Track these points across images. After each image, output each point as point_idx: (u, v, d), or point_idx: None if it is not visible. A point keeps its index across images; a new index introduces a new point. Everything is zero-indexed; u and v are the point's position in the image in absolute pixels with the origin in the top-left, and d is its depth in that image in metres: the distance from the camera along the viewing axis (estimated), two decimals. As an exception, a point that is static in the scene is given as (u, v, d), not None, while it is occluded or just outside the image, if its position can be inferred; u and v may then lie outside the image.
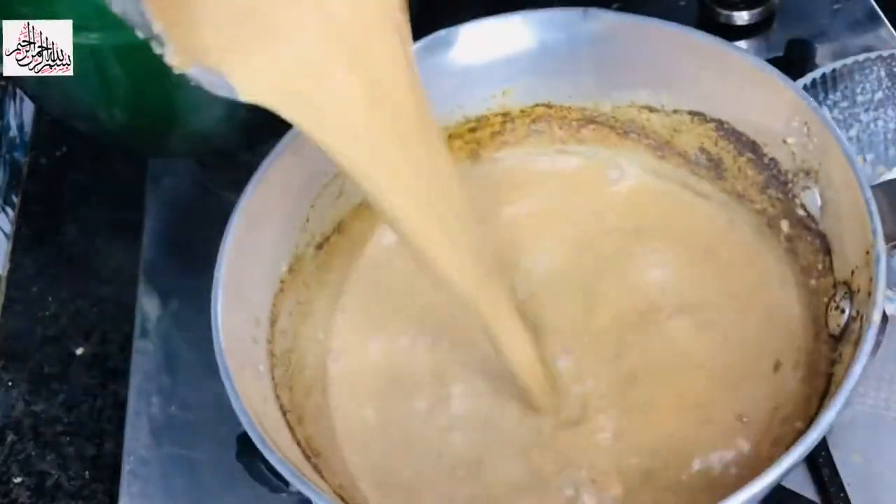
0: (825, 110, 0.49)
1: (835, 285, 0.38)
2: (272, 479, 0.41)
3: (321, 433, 0.41)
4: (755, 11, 0.60)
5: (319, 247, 0.45)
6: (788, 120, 0.40)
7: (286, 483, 0.39)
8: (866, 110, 0.51)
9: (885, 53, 0.49)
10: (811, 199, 0.40)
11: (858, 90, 0.50)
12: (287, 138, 0.42)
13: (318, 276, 0.45)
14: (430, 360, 0.44)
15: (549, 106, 0.48)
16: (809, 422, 0.34)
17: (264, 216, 0.41)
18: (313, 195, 0.44)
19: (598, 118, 0.47)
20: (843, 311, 0.37)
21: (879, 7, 0.61)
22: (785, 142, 0.41)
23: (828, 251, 0.39)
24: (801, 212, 0.41)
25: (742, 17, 0.60)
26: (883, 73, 0.50)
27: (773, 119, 0.41)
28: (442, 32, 0.45)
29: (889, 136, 0.51)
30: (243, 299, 0.40)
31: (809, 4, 0.62)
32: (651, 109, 0.46)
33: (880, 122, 0.51)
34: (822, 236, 0.40)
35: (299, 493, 0.39)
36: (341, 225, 0.46)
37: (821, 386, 0.36)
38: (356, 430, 0.43)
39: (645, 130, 0.47)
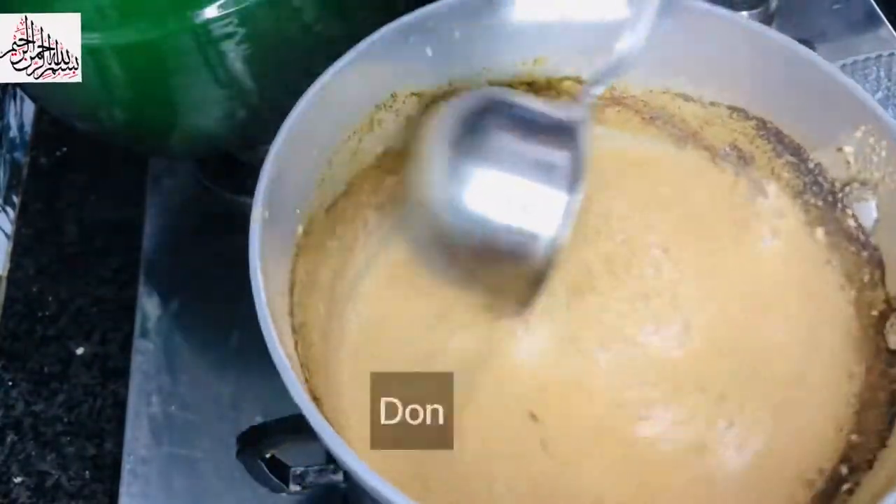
0: None
1: (887, 300, 0.38)
2: (272, 479, 0.41)
3: (335, 420, 0.40)
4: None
5: (329, 210, 0.43)
6: (852, 129, 0.39)
7: (286, 482, 0.39)
8: (866, 110, 0.51)
9: (885, 54, 0.50)
10: (865, 210, 0.39)
11: (858, 90, 0.50)
12: (320, 83, 0.40)
13: (324, 243, 0.43)
14: (431, 338, 0.43)
15: (578, 81, 0.46)
16: (871, 434, 0.35)
17: (290, 170, 0.39)
18: (332, 151, 0.42)
19: (626, 100, 0.46)
20: None
21: (879, 7, 0.61)
22: (840, 150, 0.40)
23: (879, 264, 0.38)
24: (850, 222, 0.40)
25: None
26: (882, 74, 0.50)
27: (831, 126, 0.40)
28: None
29: (889, 136, 0.51)
30: (271, 267, 0.36)
31: (809, 5, 0.62)
32: (686, 98, 0.44)
33: (880, 123, 0.51)
34: (874, 249, 0.39)
35: (299, 492, 0.39)
36: (350, 186, 0.44)
37: (880, 399, 0.36)
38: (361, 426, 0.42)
39: (673, 119, 0.45)
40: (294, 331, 0.38)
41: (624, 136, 0.47)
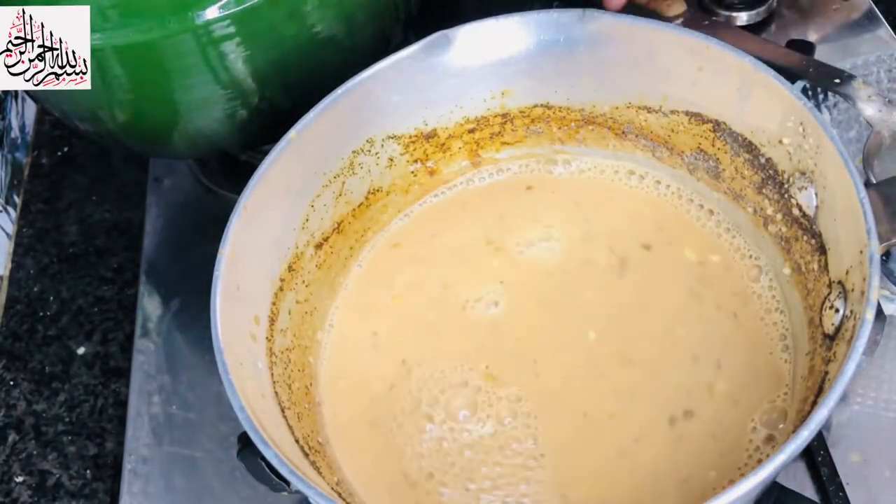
0: (824, 111, 0.49)
1: (829, 285, 0.38)
2: (273, 478, 0.41)
3: (319, 430, 0.42)
4: (754, 12, 0.60)
5: (319, 246, 0.46)
6: (784, 120, 0.40)
7: (287, 482, 0.39)
8: (865, 111, 0.51)
9: (885, 55, 0.50)
10: (807, 198, 0.40)
11: (858, 91, 0.50)
12: (287, 138, 0.42)
13: (317, 276, 0.45)
14: (424, 363, 0.44)
15: (548, 107, 0.48)
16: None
17: (264, 215, 0.42)
18: (313, 195, 0.45)
19: (597, 119, 0.47)
20: (837, 311, 0.37)
21: (878, 8, 0.61)
22: (781, 142, 0.41)
23: (823, 251, 0.39)
24: (796, 212, 0.41)
25: (741, 18, 0.60)
26: (882, 75, 0.50)
27: (769, 119, 0.41)
28: (441, 33, 0.45)
29: (888, 136, 0.51)
30: (243, 297, 0.40)
31: (809, 5, 0.62)
32: (649, 110, 0.46)
33: (879, 123, 0.51)
34: (818, 236, 0.40)
35: (300, 491, 0.39)
36: (341, 225, 0.47)
37: (816, 385, 0.37)
38: (349, 430, 0.43)
39: (643, 131, 0.47)
40: (272, 353, 0.41)
41: (605, 153, 0.49)
